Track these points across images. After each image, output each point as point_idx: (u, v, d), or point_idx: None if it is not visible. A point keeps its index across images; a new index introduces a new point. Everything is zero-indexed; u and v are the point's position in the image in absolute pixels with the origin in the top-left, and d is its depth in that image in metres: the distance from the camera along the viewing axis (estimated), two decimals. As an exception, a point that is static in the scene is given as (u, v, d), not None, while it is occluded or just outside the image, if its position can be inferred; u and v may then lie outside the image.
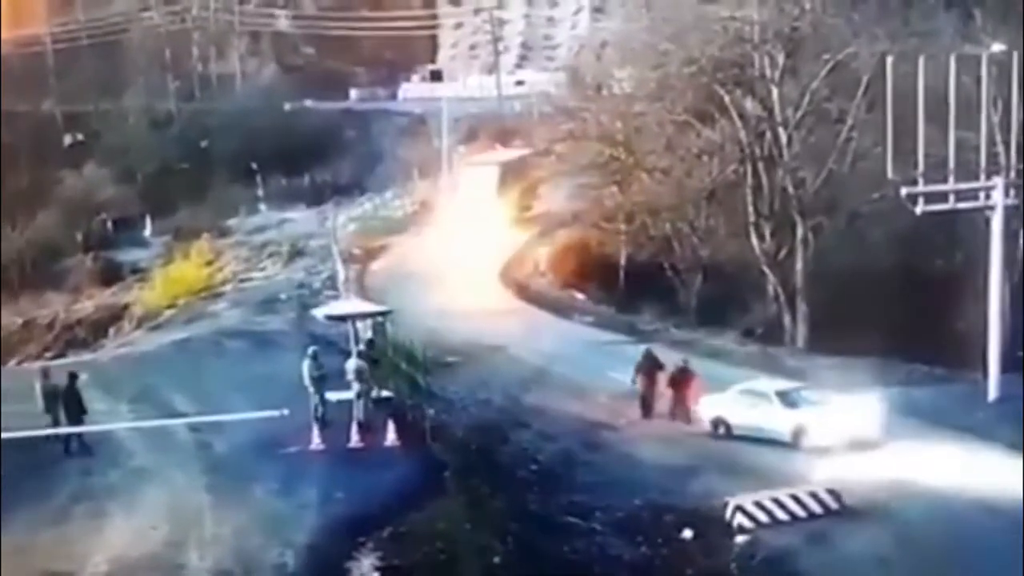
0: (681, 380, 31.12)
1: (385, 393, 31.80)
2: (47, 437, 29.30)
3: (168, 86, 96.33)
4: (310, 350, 31.77)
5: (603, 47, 69.12)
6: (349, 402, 30.56)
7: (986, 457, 27.02)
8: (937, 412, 30.55)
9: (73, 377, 30.41)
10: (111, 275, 66.19)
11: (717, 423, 29.90)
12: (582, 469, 28.22)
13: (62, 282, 65.50)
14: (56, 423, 29.49)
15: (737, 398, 29.80)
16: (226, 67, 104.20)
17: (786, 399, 28.95)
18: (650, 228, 46.98)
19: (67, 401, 29.71)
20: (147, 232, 75.74)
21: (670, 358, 32.24)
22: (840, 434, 27.60)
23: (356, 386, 30.42)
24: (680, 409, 30.93)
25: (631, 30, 55.70)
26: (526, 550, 23.64)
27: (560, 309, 46.45)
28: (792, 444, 28.07)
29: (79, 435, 29.78)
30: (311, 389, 30.60)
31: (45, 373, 31.08)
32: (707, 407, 30.21)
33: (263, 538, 24.38)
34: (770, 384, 30.25)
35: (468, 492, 26.79)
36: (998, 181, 30.96)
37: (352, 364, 30.92)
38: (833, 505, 24.64)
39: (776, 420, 28.63)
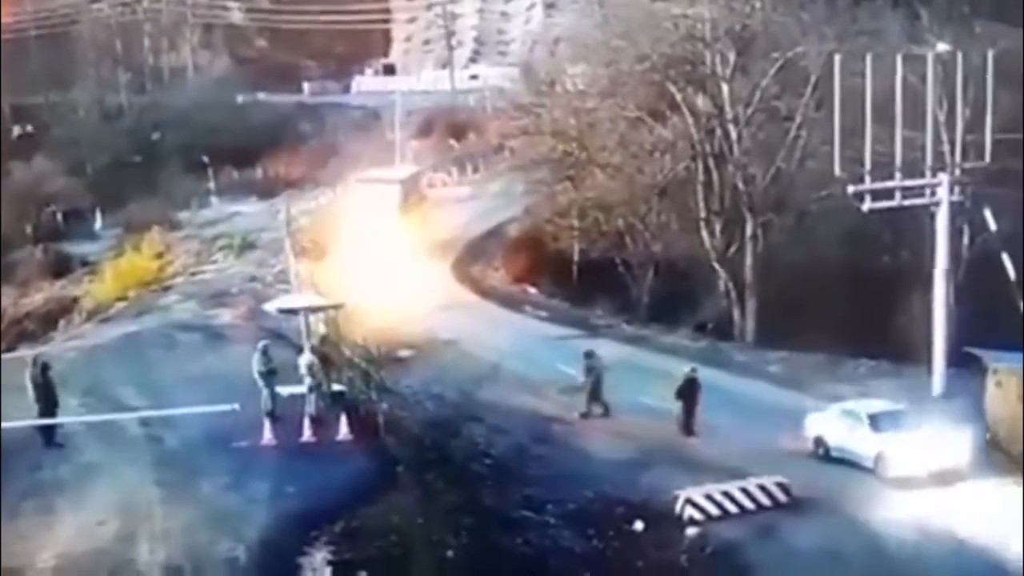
0: (691, 392, 30.11)
1: (337, 387, 31.80)
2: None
3: (119, 78, 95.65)
4: (260, 344, 31.68)
5: (556, 43, 69.37)
6: (301, 396, 30.54)
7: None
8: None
9: (45, 368, 30.18)
10: (61, 268, 65.47)
11: (818, 442, 28.06)
12: (534, 463, 28.39)
13: (11, 275, 64.72)
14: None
15: (837, 418, 27.97)
16: (178, 59, 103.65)
17: (875, 422, 26.95)
18: (602, 224, 47.20)
19: (42, 392, 29.52)
20: (97, 225, 75.10)
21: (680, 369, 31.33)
22: (921, 464, 25.85)
23: (308, 380, 30.40)
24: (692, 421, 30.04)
25: (584, 26, 55.93)
26: (479, 543, 23.82)
27: (513, 303, 46.60)
28: (874, 471, 26.38)
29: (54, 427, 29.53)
30: (261, 383, 30.52)
31: (34, 362, 30.80)
32: (811, 425, 28.40)
33: (214, 533, 24.37)
34: (866, 405, 28.06)
35: (421, 486, 26.92)
36: (943, 178, 31.36)
37: (304, 358, 30.88)
38: (782, 498, 24.97)
39: (863, 444, 26.84)
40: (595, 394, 31.30)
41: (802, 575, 22.05)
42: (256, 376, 30.50)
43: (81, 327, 51.02)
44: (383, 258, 45.57)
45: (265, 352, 31.05)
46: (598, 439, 29.58)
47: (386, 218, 50.42)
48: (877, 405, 28.05)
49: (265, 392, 30.37)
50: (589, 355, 31.84)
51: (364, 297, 39.77)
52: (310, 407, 30.16)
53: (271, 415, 30.03)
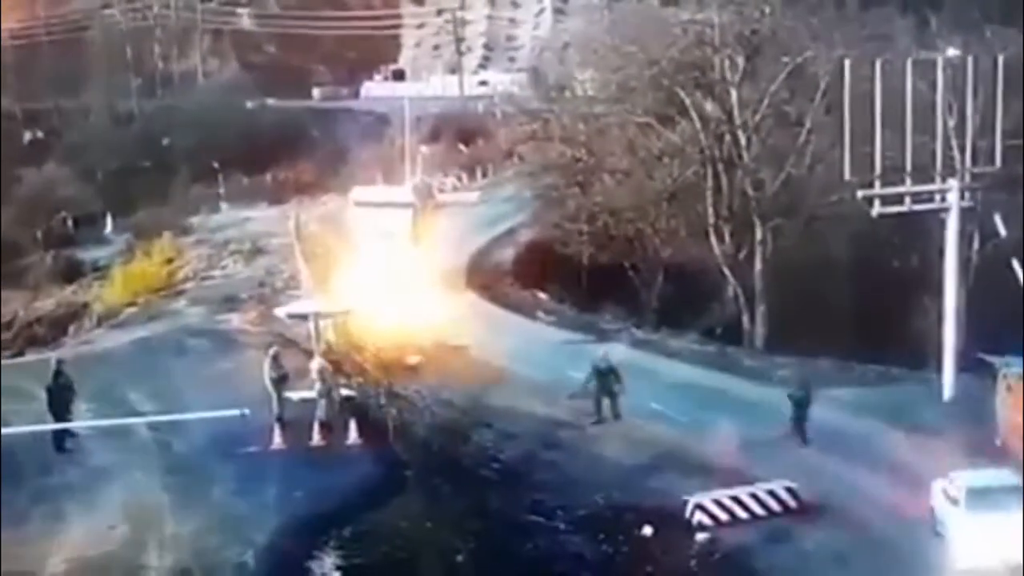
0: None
1: (347, 392, 31.86)
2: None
3: (129, 84, 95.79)
4: (271, 351, 31.79)
5: (565, 48, 69.53)
6: (311, 401, 30.60)
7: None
8: (893, 411, 30.94)
9: (58, 373, 30.29)
10: (71, 273, 65.61)
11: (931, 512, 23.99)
12: (543, 468, 28.39)
13: (22, 280, 64.93)
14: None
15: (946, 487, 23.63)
16: (188, 65, 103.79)
17: (973, 500, 22.51)
18: (611, 229, 47.18)
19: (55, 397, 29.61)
20: (108, 230, 75.22)
21: None
22: (983, 556, 21.91)
23: (319, 385, 30.46)
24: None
25: (593, 32, 56.01)
26: (488, 548, 23.83)
27: (523, 309, 46.58)
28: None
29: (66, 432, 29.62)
30: (271, 389, 30.61)
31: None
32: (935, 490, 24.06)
33: (223, 538, 24.44)
34: (975, 477, 23.31)
35: (430, 491, 26.94)
36: (953, 184, 31.39)
37: (316, 363, 30.95)
38: (792, 503, 24.93)
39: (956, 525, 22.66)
40: (611, 400, 31.15)
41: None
42: (267, 382, 30.58)
43: (92, 332, 51.16)
44: (397, 282, 42.27)
45: (276, 358, 31.16)
46: (608, 444, 29.54)
47: (399, 244, 44.89)
48: (981, 478, 23.17)
49: (275, 397, 30.46)
50: (603, 361, 31.75)
51: (377, 309, 39.33)
52: (320, 412, 30.22)
53: (280, 420, 30.10)
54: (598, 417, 31.11)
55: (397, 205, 46.72)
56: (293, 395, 31.08)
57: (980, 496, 22.38)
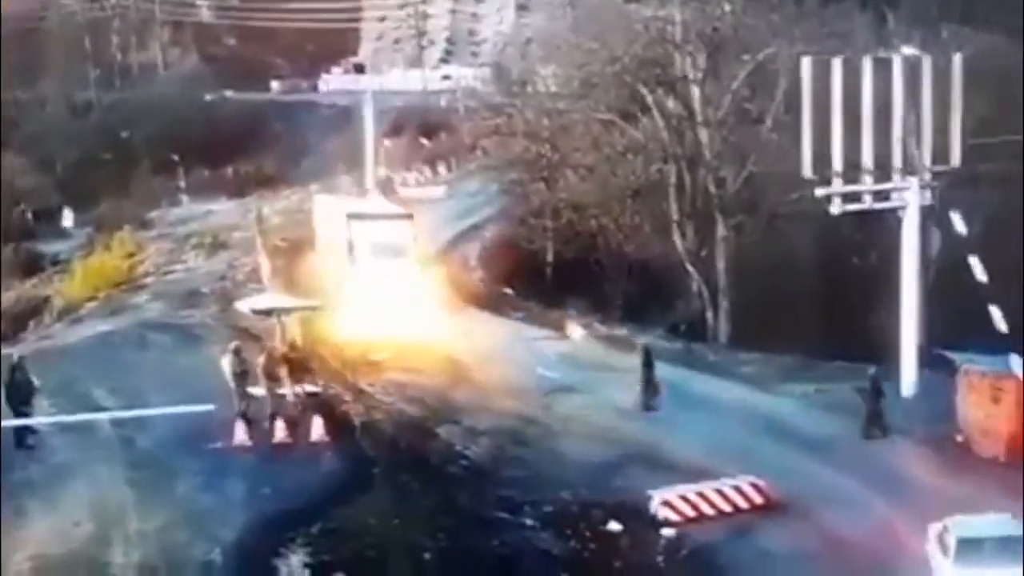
0: None
1: (312, 388, 31.81)
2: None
3: (88, 75, 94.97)
4: (232, 345, 31.63)
5: (528, 44, 69.61)
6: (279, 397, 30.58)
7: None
8: (854, 407, 31.30)
9: (15, 368, 30.03)
10: (31, 266, 65.12)
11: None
12: (511, 464, 28.51)
13: (-21, 274, 64.39)
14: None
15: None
16: (147, 57, 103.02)
17: (963, 552, 20.06)
18: (576, 225, 47.40)
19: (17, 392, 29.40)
20: (68, 223, 74.71)
21: None
22: None
23: (263, 382, 30.39)
24: None
25: (555, 28, 56.16)
26: (456, 545, 23.88)
27: (489, 305, 46.68)
28: None
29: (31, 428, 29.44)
30: (232, 385, 30.52)
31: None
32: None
33: (189, 534, 24.33)
34: (968, 525, 20.69)
35: (397, 488, 26.96)
36: (911, 182, 31.75)
37: (260, 359, 30.83)
38: (758, 499, 25.17)
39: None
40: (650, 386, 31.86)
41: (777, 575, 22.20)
42: (228, 378, 30.48)
43: (52, 327, 50.80)
44: (407, 301, 39.23)
45: (237, 353, 31.01)
46: (575, 441, 29.69)
47: (405, 260, 41.05)
48: (982, 527, 20.62)
49: (237, 393, 30.38)
50: (646, 351, 32.44)
51: (388, 330, 37.93)
52: (268, 408, 30.07)
53: (243, 416, 30.03)
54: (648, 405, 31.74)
55: (394, 217, 44.36)
56: (257, 391, 31.03)
57: (972, 548, 19.86)
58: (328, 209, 49.08)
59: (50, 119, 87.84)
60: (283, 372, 31.00)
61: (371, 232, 41.98)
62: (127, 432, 30.45)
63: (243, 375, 30.62)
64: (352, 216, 43.32)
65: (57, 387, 34.55)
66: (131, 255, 62.72)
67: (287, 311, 34.62)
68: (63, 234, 72.16)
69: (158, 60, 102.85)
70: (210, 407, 30.34)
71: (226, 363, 30.71)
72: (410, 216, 43.88)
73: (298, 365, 31.77)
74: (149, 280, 57.38)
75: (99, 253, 62.15)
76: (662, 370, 32.95)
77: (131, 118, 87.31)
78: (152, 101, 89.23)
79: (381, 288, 39.23)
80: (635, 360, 33.00)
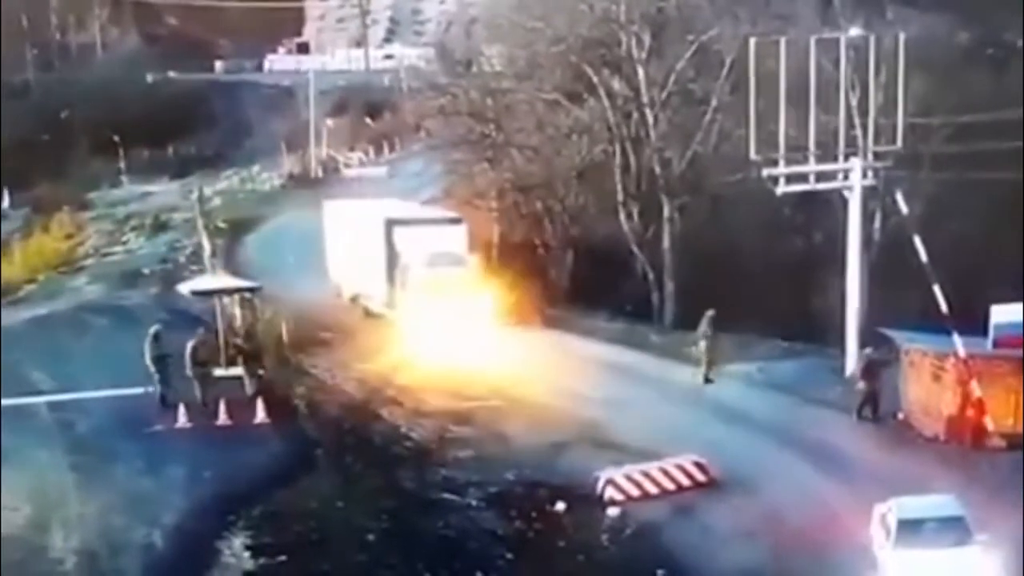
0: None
1: (255, 370, 31.48)
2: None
3: (25, 55, 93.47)
4: (152, 329, 31.23)
5: (472, 23, 69.26)
6: (226, 379, 30.31)
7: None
8: (797, 386, 31.54)
9: None
10: (-33, 249, 64.18)
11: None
12: (455, 445, 28.40)
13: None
14: None
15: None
16: (86, 36, 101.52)
17: (904, 533, 19.86)
18: (521, 206, 47.28)
19: None
20: (5, 204, 73.63)
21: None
22: None
23: (190, 365, 30.08)
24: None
25: (500, 7, 55.73)
26: (400, 527, 23.78)
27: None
28: None
29: None
30: (152, 369, 30.16)
31: None
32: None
33: (129, 518, 24.09)
34: (909, 506, 20.49)
35: (341, 470, 26.84)
36: (856, 163, 31.92)
37: (190, 343, 30.50)
38: (701, 477, 25.25)
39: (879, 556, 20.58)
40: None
41: (720, 554, 22.25)
42: (148, 362, 30.12)
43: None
44: (472, 317, 34.84)
45: (157, 337, 30.64)
46: (519, 421, 29.62)
47: (464, 271, 36.72)
48: (923, 507, 20.44)
49: (156, 378, 30.01)
50: (711, 321, 32.44)
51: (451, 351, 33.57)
52: (196, 392, 29.77)
53: (163, 401, 29.68)
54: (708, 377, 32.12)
55: (447, 222, 39.90)
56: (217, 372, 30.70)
57: (913, 529, 19.76)
58: (348, 215, 43.61)
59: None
60: (220, 356, 30.68)
61: (423, 240, 37.18)
62: (67, 416, 30.12)
63: (162, 358, 30.23)
64: (395, 223, 38.44)
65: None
66: (70, 236, 62.11)
67: (228, 292, 34.34)
68: (0, 215, 71.13)
69: (97, 40, 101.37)
70: (149, 389, 30.13)
71: (146, 347, 30.32)
72: (461, 220, 39.85)
73: (239, 348, 31.52)
74: (89, 262, 56.82)
75: (38, 235, 61.41)
76: (604, 350, 32.95)
77: (70, 99, 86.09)
78: (91, 81, 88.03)
79: (440, 304, 34.54)
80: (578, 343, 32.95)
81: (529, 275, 42.71)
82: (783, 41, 31.22)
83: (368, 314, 39.67)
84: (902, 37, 32.09)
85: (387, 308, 37.92)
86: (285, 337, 35.82)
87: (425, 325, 34.51)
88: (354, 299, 41.23)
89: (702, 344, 32.51)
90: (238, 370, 30.91)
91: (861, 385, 29.06)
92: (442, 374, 32.63)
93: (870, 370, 29.05)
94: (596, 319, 40.97)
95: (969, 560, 19.38)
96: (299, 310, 38.54)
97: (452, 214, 40.91)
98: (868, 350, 29.77)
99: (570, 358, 33.89)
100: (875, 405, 28.91)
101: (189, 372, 30.07)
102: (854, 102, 33.54)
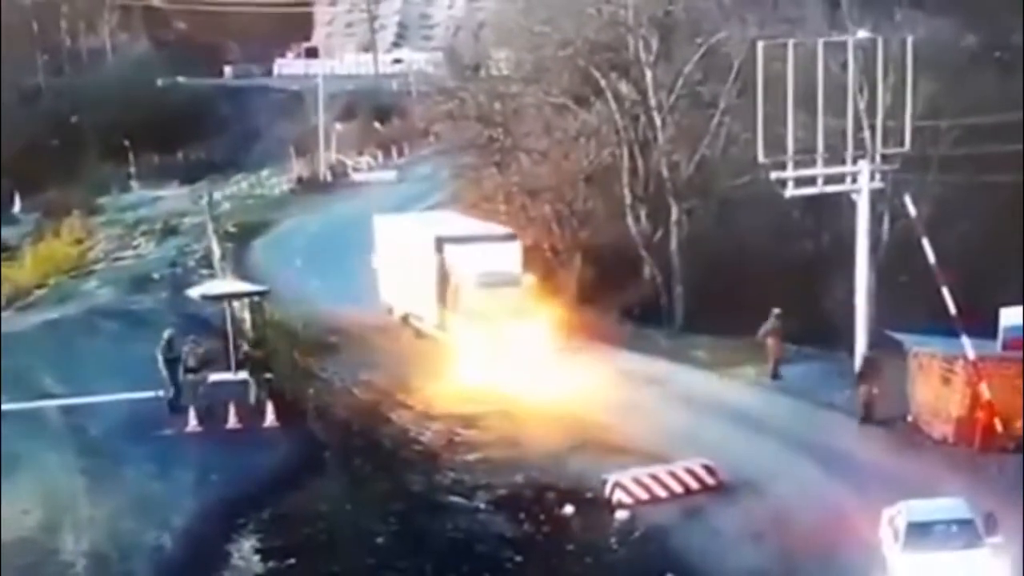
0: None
1: (265, 374, 31.58)
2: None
3: (36, 60, 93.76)
4: (165, 333, 31.42)
5: (480, 28, 69.39)
6: (226, 383, 30.40)
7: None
8: (805, 389, 31.54)
9: None
10: (-22, 253, 64.42)
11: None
12: (464, 448, 28.46)
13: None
14: None
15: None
16: (96, 41, 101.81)
17: (913, 535, 19.87)
18: (529, 209, 47.30)
19: None
20: (16, 209, 73.95)
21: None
22: None
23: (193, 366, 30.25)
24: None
25: (507, 11, 55.86)
26: (409, 530, 23.86)
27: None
28: None
29: None
30: (164, 373, 30.29)
31: None
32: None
33: (140, 521, 24.22)
34: (918, 509, 20.49)
35: (350, 473, 26.93)
36: (864, 165, 31.88)
37: (187, 347, 30.64)
38: (710, 481, 25.27)
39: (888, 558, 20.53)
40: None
41: (729, 557, 22.28)
42: (160, 366, 30.27)
43: (1, 314, 50.25)
44: (531, 344, 32.84)
45: (170, 342, 30.84)
46: (529, 425, 29.64)
47: (521, 292, 34.50)
48: (932, 511, 20.43)
49: (169, 381, 30.16)
50: (777, 318, 32.71)
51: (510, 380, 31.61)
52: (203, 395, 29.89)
53: (173, 404, 29.81)
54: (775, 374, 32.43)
55: (500, 239, 37.13)
56: (213, 377, 30.83)
57: (922, 532, 19.78)
58: (397, 231, 41.14)
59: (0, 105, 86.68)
60: (212, 360, 30.84)
61: (475, 259, 35.07)
62: (78, 420, 30.24)
63: (174, 362, 30.38)
64: (446, 240, 36.13)
65: (6, 375, 34.22)
66: (80, 241, 62.32)
67: (237, 296, 34.48)
68: (11, 220, 71.40)
69: (107, 45, 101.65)
70: (160, 393, 30.27)
71: (159, 351, 30.48)
72: (515, 236, 37.52)
73: (248, 352, 31.62)
74: (99, 266, 56.98)
75: (48, 239, 61.62)
76: (615, 356, 32.95)
77: (80, 104, 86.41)
78: (101, 86, 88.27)
79: (494, 326, 32.58)
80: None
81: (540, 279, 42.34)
82: (791, 44, 31.18)
83: (419, 335, 37.40)
84: (910, 40, 32.06)
85: (439, 330, 35.74)
86: (296, 339, 35.97)
87: (479, 349, 32.53)
88: (405, 319, 38.75)
89: (769, 342, 32.74)
90: (244, 374, 31.00)
91: (861, 390, 28.99)
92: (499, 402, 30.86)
93: (866, 374, 29.07)
94: (604, 322, 40.88)
95: (979, 563, 19.40)
96: (346, 327, 38.55)
97: (505, 230, 38.47)
98: (865, 353, 29.75)
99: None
100: (871, 409, 28.72)
101: (181, 378, 30.16)
102: (862, 105, 33.45)
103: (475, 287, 33.81)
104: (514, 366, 31.67)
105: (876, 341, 30.38)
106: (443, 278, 35.35)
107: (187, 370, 30.25)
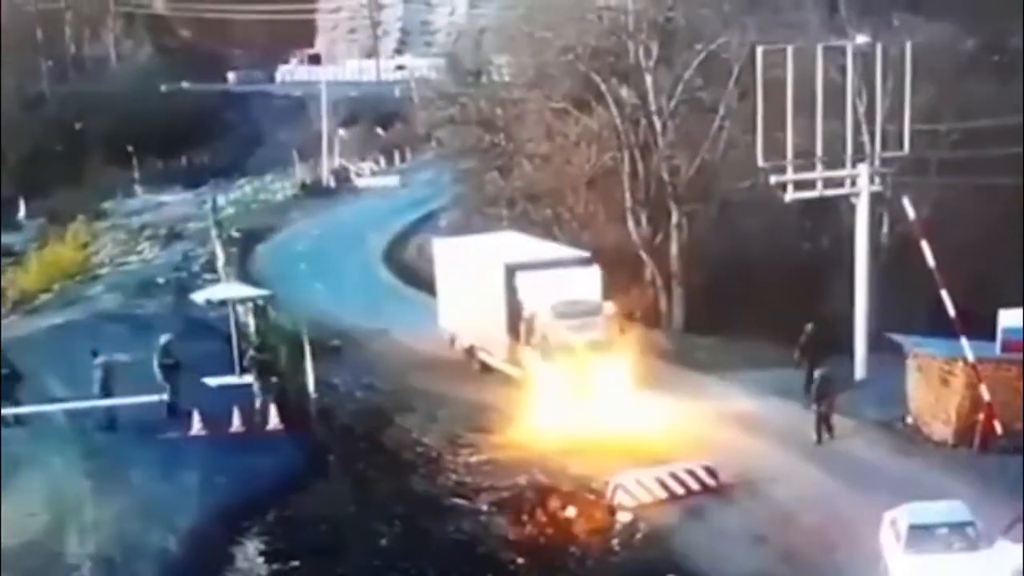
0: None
1: (270, 378, 31.73)
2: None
3: (40, 67, 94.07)
4: (162, 339, 31.55)
5: (481, 33, 69.57)
6: (235, 387, 30.57)
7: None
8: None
9: None
10: (-17, 258, 64.62)
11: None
12: (466, 450, 28.61)
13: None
14: None
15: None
16: (100, 48, 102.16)
17: (915, 538, 20.03)
18: (531, 214, 47.50)
19: None
20: (21, 214, 74.19)
21: None
22: None
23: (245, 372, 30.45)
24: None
25: (508, 17, 56.05)
26: (412, 532, 24.00)
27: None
28: None
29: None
30: (160, 378, 30.45)
31: None
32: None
33: (144, 524, 24.32)
34: (920, 512, 20.69)
35: (353, 475, 27.06)
36: (863, 169, 32.10)
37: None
38: (711, 483, 25.42)
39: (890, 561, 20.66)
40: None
41: (730, 558, 22.43)
42: (156, 370, 30.42)
43: (6, 319, 50.40)
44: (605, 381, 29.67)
45: (167, 347, 30.95)
46: (531, 425, 29.75)
47: (605, 322, 31.07)
48: (933, 513, 20.58)
49: (167, 386, 30.31)
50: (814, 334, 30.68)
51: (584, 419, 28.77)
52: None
53: (171, 410, 29.95)
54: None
55: (576, 263, 33.54)
56: (212, 381, 30.98)
57: (923, 535, 19.92)
58: (461, 256, 37.38)
59: (2, 111, 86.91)
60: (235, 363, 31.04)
61: (550, 286, 31.60)
62: (83, 423, 30.33)
63: (172, 367, 30.53)
64: (517, 267, 32.51)
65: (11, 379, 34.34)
66: (85, 246, 62.49)
67: (241, 301, 34.65)
68: (16, 225, 71.64)
69: (112, 52, 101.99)
70: (164, 397, 30.41)
71: (155, 356, 30.63)
72: (592, 260, 33.69)
73: (252, 356, 31.78)
74: (104, 271, 57.13)
75: (53, 244, 61.82)
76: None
77: (84, 110, 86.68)
78: (106, 93, 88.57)
79: (573, 361, 29.62)
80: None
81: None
82: (790, 49, 31.39)
83: (485, 369, 34.26)
84: (908, 44, 32.28)
85: (509, 364, 32.62)
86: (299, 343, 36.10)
87: (557, 387, 29.41)
88: (470, 352, 35.20)
89: (796, 354, 31.15)
90: (249, 378, 31.17)
91: (813, 407, 27.91)
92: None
93: (822, 391, 28.03)
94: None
95: (980, 565, 19.56)
96: (311, 316, 38.67)
97: (582, 253, 34.71)
98: (822, 370, 28.31)
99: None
100: (829, 425, 28.04)
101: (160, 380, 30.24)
102: (861, 109, 33.68)
103: (551, 318, 30.45)
104: (597, 405, 28.86)
105: (875, 343, 30.51)
106: (514, 308, 31.93)
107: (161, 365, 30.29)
